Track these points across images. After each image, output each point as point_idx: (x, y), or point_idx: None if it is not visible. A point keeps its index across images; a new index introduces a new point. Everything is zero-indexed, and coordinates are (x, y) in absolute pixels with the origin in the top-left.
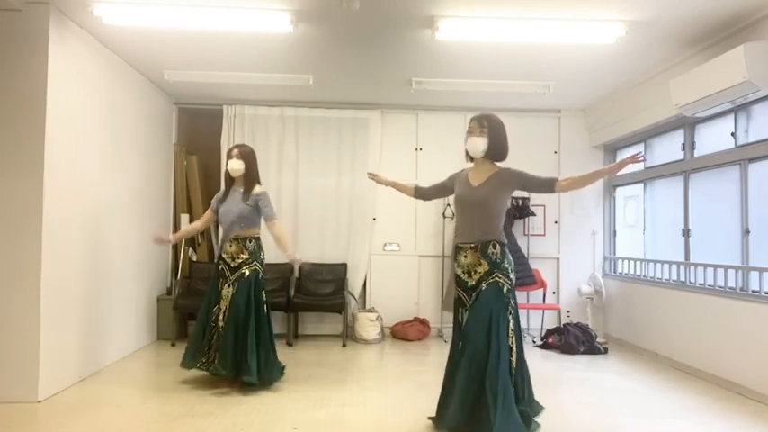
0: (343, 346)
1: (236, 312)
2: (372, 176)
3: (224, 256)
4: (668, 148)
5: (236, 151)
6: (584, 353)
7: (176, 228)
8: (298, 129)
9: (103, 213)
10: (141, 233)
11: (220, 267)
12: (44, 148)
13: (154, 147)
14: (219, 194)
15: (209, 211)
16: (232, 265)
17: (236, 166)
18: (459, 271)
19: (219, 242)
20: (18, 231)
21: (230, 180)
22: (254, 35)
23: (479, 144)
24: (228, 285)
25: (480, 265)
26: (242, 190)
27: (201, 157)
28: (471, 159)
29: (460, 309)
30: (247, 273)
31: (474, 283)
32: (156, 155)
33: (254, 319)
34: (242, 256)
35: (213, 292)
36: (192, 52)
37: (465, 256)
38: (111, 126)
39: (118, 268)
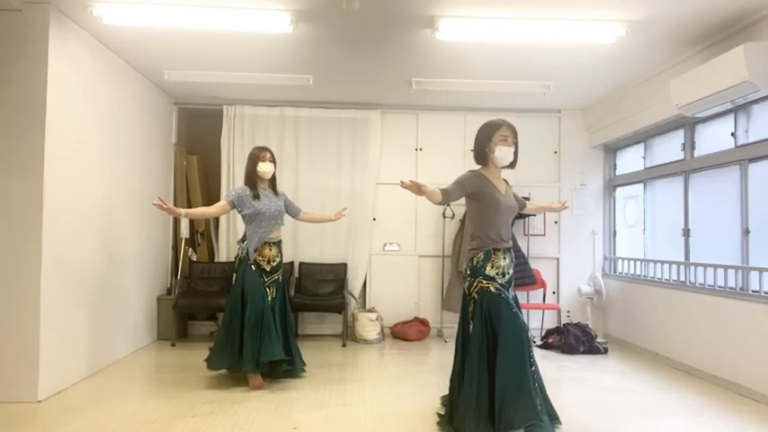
0: (343, 346)
1: (277, 314)
2: (407, 186)
3: (259, 259)
4: (668, 148)
5: (269, 155)
6: (584, 353)
7: (177, 228)
8: (298, 129)
9: (103, 213)
10: (141, 233)
11: (253, 268)
12: (44, 148)
13: (154, 147)
14: (246, 193)
15: (224, 203)
16: (268, 269)
17: (270, 169)
18: (493, 273)
19: (247, 243)
20: (18, 231)
21: (253, 182)
22: (254, 35)
23: (511, 154)
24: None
25: (511, 267)
26: (270, 190)
27: (201, 157)
28: (481, 162)
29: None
30: (280, 279)
31: (504, 282)
32: (156, 155)
33: (291, 318)
34: (277, 259)
35: (257, 293)
36: (192, 52)
37: (505, 258)
38: (111, 126)
39: (118, 268)
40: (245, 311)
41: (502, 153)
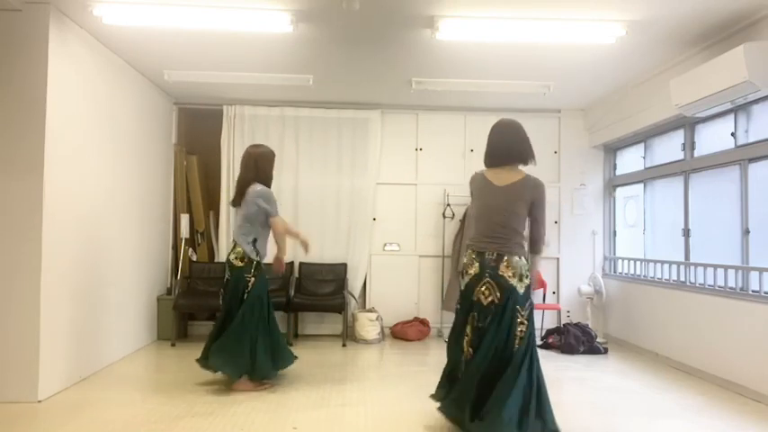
0: (343, 346)
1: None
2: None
3: (263, 264)
4: (668, 148)
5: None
6: (584, 353)
7: (177, 228)
8: (298, 129)
9: (103, 213)
10: (141, 233)
11: (266, 276)
12: (44, 148)
13: (154, 147)
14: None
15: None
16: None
17: None
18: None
19: (260, 247)
20: (18, 231)
21: (270, 184)
22: (254, 35)
23: None
24: None
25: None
26: None
27: (201, 157)
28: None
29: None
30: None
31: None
32: (156, 155)
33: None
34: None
35: (269, 301)
36: (192, 52)
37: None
38: (111, 126)
39: (118, 268)
40: (267, 318)
41: None
